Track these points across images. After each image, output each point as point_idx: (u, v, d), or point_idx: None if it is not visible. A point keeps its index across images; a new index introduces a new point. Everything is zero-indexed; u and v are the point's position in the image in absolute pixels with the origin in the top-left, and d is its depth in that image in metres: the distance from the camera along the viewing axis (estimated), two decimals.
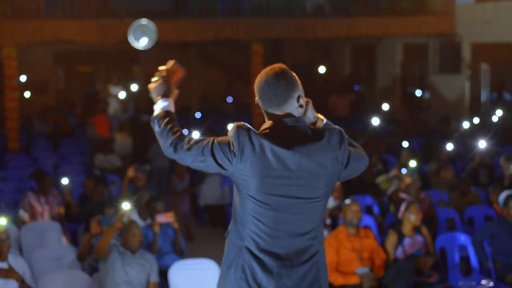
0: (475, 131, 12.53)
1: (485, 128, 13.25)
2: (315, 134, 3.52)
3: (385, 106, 13.76)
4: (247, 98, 17.37)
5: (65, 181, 9.40)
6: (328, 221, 8.70)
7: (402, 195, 9.44)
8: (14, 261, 6.82)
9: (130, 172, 9.81)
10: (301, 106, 3.56)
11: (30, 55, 18.57)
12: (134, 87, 16.08)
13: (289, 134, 3.47)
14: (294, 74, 3.59)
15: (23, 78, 18.79)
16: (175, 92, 3.77)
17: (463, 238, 8.38)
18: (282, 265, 3.47)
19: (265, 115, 3.60)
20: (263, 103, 3.56)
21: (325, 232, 8.49)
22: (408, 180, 9.48)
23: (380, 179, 10.64)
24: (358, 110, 17.30)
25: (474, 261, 8.27)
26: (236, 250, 3.52)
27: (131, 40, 7.72)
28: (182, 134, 3.53)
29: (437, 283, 7.71)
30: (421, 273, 7.81)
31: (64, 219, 9.43)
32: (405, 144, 11.86)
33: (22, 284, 6.72)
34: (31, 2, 13.82)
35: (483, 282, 7.91)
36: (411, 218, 7.99)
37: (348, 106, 17.30)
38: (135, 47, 7.89)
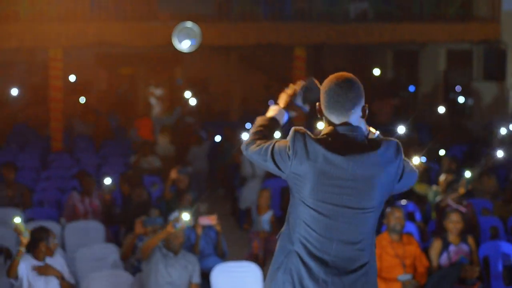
0: None
1: None
2: (372, 145, 3.51)
3: (441, 109, 13.59)
4: None
5: (107, 181, 9.43)
6: None
7: (450, 202, 9.34)
8: (52, 258, 6.89)
9: (173, 174, 9.87)
10: (364, 116, 3.58)
11: (72, 57, 18.79)
12: (188, 94, 15.99)
13: (345, 142, 3.47)
14: None
15: (72, 78, 19.02)
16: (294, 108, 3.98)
17: (506, 247, 8.27)
18: (329, 272, 3.47)
19: (324, 121, 3.60)
20: (328, 106, 3.54)
21: None
22: (462, 191, 9.35)
23: (420, 189, 10.52)
24: (400, 115, 17.18)
25: None
26: (286, 253, 3.54)
27: (175, 42, 7.73)
28: (258, 138, 3.68)
29: None
30: (463, 281, 7.72)
31: (106, 219, 9.51)
32: (442, 152, 11.72)
33: (62, 281, 6.79)
34: (76, 4, 13.96)
35: None
36: (449, 226, 7.92)
37: (390, 111, 17.20)
38: (178, 49, 7.89)
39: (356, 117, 3.54)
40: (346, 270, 3.49)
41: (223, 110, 20.54)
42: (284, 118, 3.91)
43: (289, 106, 3.93)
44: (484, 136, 14.89)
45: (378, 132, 3.73)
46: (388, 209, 7.83)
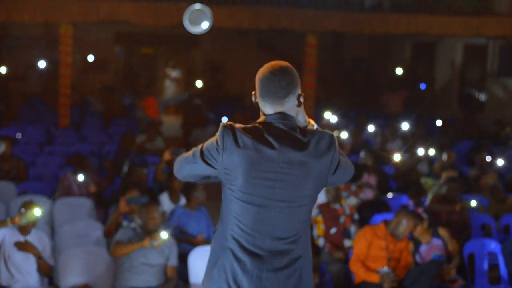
0: None
1: None
2: (303, 134, 3.48)
3: (438, 123, 13.59)
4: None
5: (80, 177, 9.25)
6: (356, 216, 8.59)
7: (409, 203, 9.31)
8: (36, 235, 6.90)
9: (167, 155, 9.84)
10: (299, 105, 3.54)
11: (91, 34, 18.87)
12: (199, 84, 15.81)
13: (277, 133, 3.45)
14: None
15: (90, 58, 19.19)
16: None
17: (493, 245, 8.17)
18: (264, 267, 3.46)
19: (261, 110, 3.58)
20: (263, 95, 3.52)
21: (353, 228, 8.37)
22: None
23: (425, 180, 10.46)
24: (412, 107, 17.05)
25: (503, 270, 8.06)
26: (220, 250, 3.53)
27: (186, 24, 7.66)
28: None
29: None
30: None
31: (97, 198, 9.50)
32: (420, 151, 11.26)
33: (40, 259, 6.79)
34: None
35: None
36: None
37: (401, 103, 17.09)
38: (189, 31, 7.81)
39: (290, 106, 3.52)
40: (281, 265, 3.48)
41: (237, 94, 20.49)
42: None
43: None
44: (495, 132, 14.71)
45: (316, 126, 3.67)
46: (402, 212, 7.62)
